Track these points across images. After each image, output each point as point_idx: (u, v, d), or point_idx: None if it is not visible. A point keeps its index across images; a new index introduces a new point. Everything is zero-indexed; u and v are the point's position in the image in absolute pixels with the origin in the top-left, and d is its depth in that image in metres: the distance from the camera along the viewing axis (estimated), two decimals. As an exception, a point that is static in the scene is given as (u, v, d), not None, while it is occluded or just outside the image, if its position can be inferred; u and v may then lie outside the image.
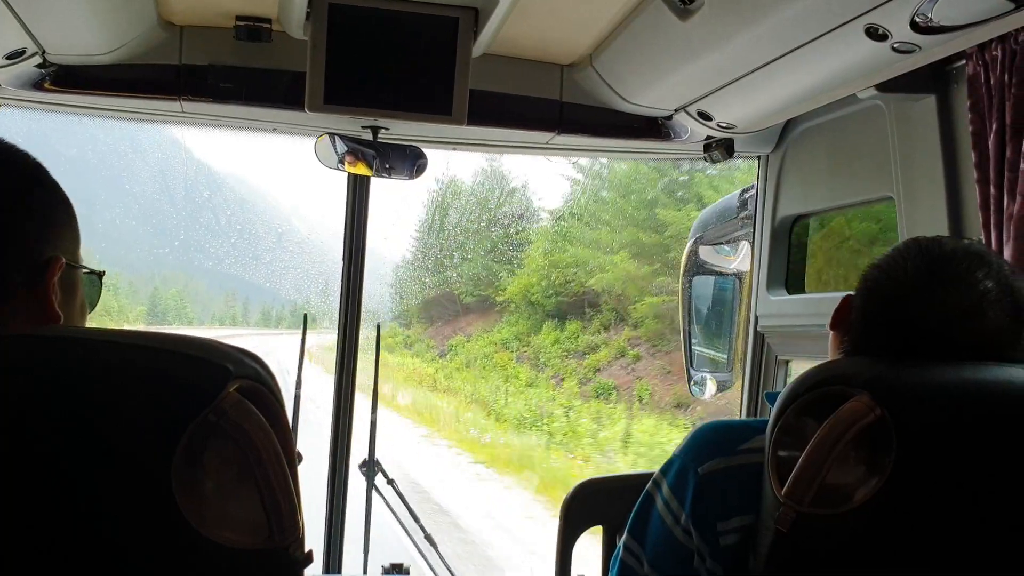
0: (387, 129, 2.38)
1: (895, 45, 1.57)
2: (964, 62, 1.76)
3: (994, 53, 1.68)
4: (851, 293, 1.30)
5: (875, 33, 1.54)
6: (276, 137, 2.63)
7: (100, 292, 1.18)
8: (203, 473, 0.83)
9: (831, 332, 1.34)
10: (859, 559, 1.09)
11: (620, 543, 1.39)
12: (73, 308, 1.09)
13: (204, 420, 0.82)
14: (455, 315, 22.31)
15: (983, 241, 1.70)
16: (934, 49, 1.58)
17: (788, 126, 2.48)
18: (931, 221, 1.88)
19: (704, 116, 2.23)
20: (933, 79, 1.87)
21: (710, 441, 1.29)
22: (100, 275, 1.17)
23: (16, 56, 1.90)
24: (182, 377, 0.84)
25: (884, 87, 1.85)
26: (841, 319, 1.31)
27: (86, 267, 1.12)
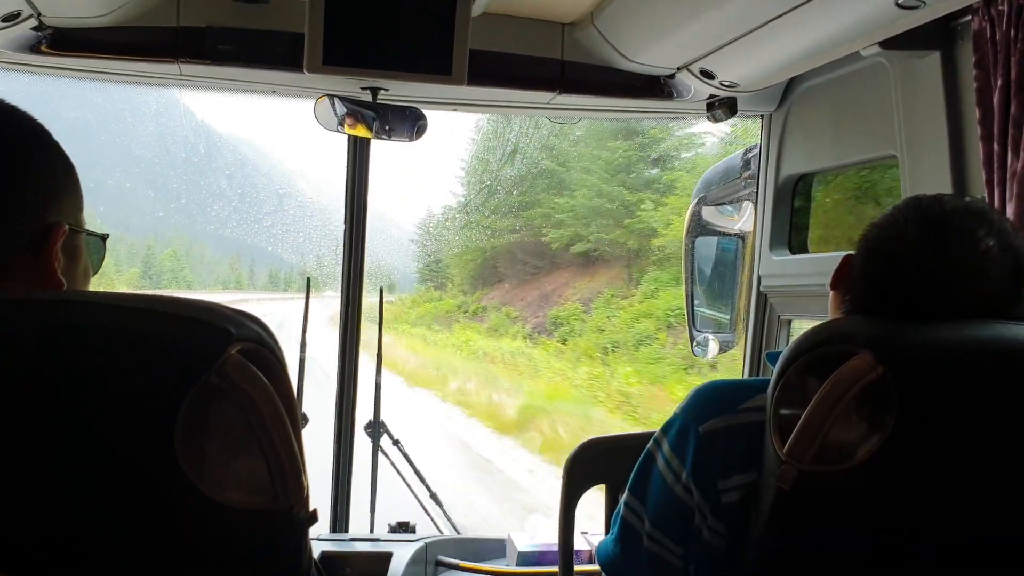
0: (386, 90, 2.37)
1: (900, 1, 1.55)
2: (970, 17, 1.74)
3: (1001, 8, 1.66)
4: (851, 253, 1.30)
5: None
6: (277, 99, 2.62)
7: (104, 255, 1.18)
8: (206, 435, 0.84)
9: (831, 292, 1.34)
10: (861, 516, 1.09)
11: (621, 501, 1.40)
12: (76, 273, 1.09)
13: (207, 383, 0.82)
14: (537, 272, 16.07)
15: (986, 199, 1.69)
16: (939, 4, 1.56)
17: (791, 84, 2.46)
18: (934, 179, 1.87)
19: (707, 74, 2.21)
20: (938, 35, 1.85)
21: (711, 400, 1.30)
22: (104, 238, 1.16)
23: (11, 19, 1.88)
24: (183, 340, 0.85)
25: (888, 44, 1.83)
26: (841, 279, 1.31)
27: (89, 231, 1.12)
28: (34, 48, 2.08)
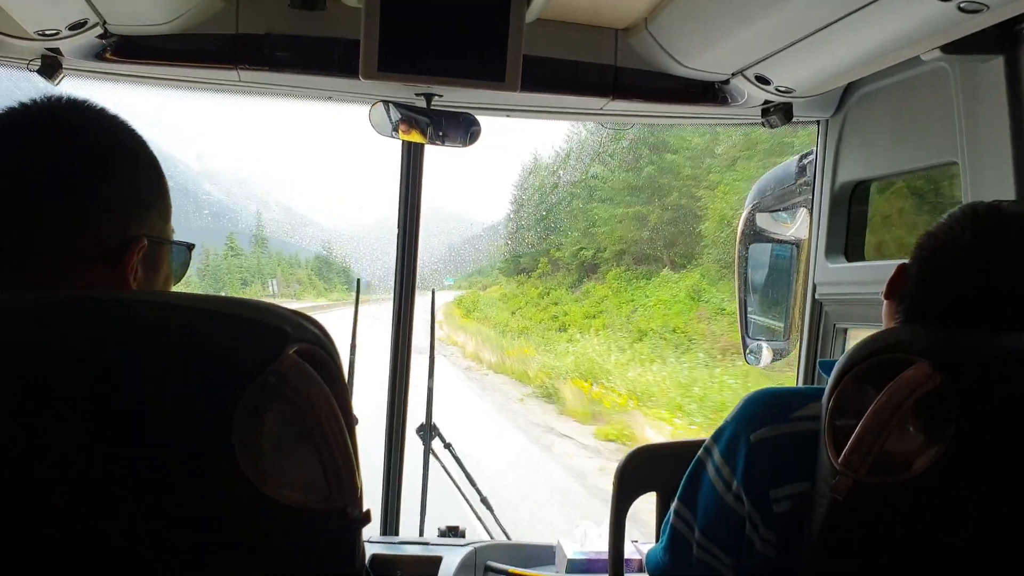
0: (440, 96, 2.38)
1: (961, 4, 1.52)
2: (1034, 21, 1.71)
3: (1066, 11, 1.62)
4: (906, 262, 1.28)
5: None
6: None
7: (188, 263, 1.19)
8: (263, 434, 0.85)
9: (885, 302, 1.32)
10: (917, 528, 1.08)
11: (671, 509, 1.39)
12: (155, 284, 1.10)
13: (264, 382, 0.84)
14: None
15: None
16: (1003, 8, 1.53)
17: (848, 90, 2.43)
18: (997, 186, 1.83)
19: (762, 80, 2.19)
20: (1001, 39, 1.81)
21: (762, 409, 1.29)
22: (190, 247, 1.18)
23: (78, 27, 1.93)
24: (242, 340, 0.86)
25: (949, 48, 1.80)
26: (896, 288, 1.29)
27: (173, 241, 1.13)
28: (99, 55, 2.13)
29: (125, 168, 1.06)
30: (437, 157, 2.80)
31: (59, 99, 1.06)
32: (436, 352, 3.46)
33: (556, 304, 23.89)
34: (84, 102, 1.07)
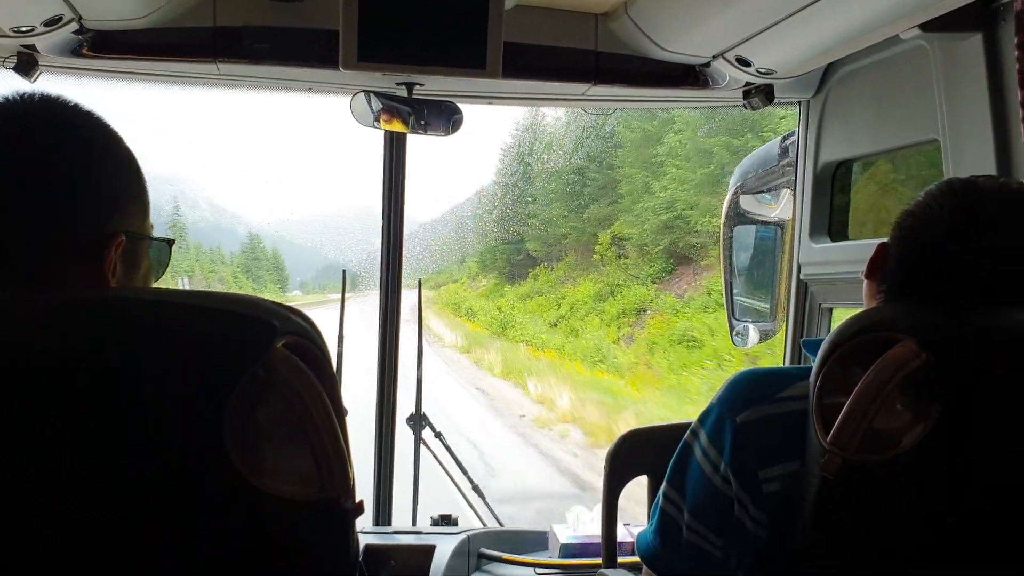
0: (422, 85, 2.38)
1: (940, -18, 1.53)
2: (1012, -3, 1.71)
3: (1044, -13, 1.63)
4: (886, 241, 1.29)
5: None
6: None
7: (169, 259, 1.18)
8: (254, 427, 0.85)
9: (865, 281, 1.33)
10: (906, 504, 1.08)
11: (660, 492, 1.40)
12: (134, 280, 1.09)
13: (253, 376, 0.84)
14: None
15: None
16: (981, -15, 1.54)
17: (829, 70, 2.43)
18: (978, 163, 1.84)
19: (742, 62, 2.19)
20: (980, 17, 1.82)
21: (747, 390, 1.29)
22: (170, 243, 1.17)
23: (54, 23, 1.91)
24: (230, 334, 0.86)
25: (928, 26, 1.80)
26: (877, 267, 1.30)
27: (153, 237, 1.13)
28: (76, 51, 2.11)
29: (102, 163, 1.06)
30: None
31: (32, 96, 1.05)
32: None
33: (654, 313, 15.48)
34: (58, 98, 1.06)
